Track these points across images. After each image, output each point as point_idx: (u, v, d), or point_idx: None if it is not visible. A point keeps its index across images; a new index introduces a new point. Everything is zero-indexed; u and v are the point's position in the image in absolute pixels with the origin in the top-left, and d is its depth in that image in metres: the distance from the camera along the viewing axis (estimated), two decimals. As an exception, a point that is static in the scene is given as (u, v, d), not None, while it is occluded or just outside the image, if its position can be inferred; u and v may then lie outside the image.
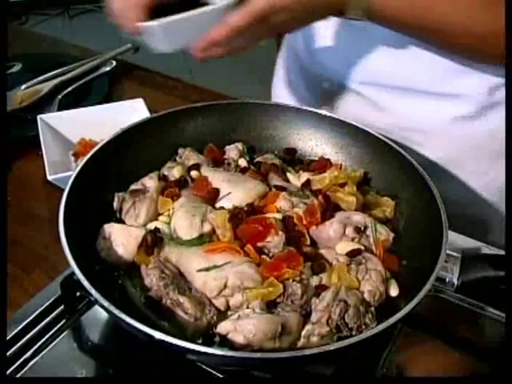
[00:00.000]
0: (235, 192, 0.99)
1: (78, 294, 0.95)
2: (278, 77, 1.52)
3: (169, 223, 0.95)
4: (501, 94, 1.14)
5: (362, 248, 0.91)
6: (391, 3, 0.97)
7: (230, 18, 0.89)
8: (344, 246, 0.91)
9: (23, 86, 1.52)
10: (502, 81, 1.12)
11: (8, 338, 0.88)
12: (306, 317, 0.82)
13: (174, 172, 1.04)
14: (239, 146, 1.12)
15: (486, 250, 1.05)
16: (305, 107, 1.15)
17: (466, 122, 1.18)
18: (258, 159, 1.11)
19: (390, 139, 1.07)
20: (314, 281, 0.85)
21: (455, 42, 1.02)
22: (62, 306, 0.95)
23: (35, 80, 1.54)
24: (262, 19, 0.90)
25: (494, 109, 1.16)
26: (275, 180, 1.04)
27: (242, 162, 1.09)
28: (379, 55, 1.18)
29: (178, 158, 1.10)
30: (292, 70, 1.44)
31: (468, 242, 1.06)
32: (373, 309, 0.83)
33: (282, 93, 1.47)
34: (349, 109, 1.29)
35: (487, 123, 1.18)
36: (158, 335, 0.71)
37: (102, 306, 0.75)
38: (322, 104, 1.33)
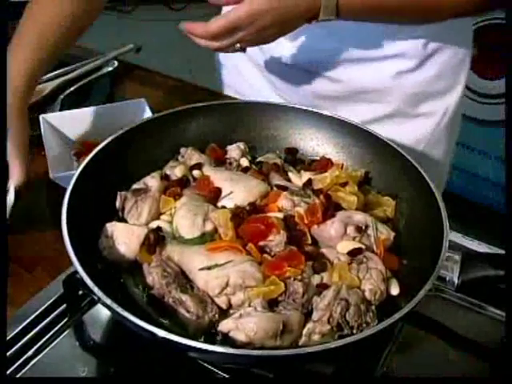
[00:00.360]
0: (237, 191, 0.99)
1: (80, 292, 0.95)
2: (225, 68, 1.64)
3: (171, 222, 0.96)
4: (432, 47, 1.33)
5: (363, 247, 0.91)
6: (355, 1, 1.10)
7: (210, 23, 1.02)
8: (345, 245, 0.91)
9: (25, 86, 1.52)
10: (430, 37, 1.32)
11: (9, 336, 0.88)
12: (307, 315, 0.82)
13: (176, 171, 1.04)
14: (241, 145, 1.12)
15: (487, 249, 1.05)
16: (306, 107, 1.16)
17: (407, 75, 1.36)
18: (260, 159, 1.12)
19: (390, 140, 1.08)
20: (316, 279, 0.85)
21: (414, 16, 1.20)
22: (64, 305, 0.95)
23: (37, 80, 1.54)
24: (238, 27, 1.02)
25: (428, 60, 1.35)
26: (277, 179, 1.04)
27: (244, 162, 1.09)
28: (324, 35, 1.30)
29: (180, 158, 1.10)
30: (238, 58, 1.52)
31: (468, 242, 1.06)
32: (374, 307, 0.83)
33: (232, 81, 1.62)
34: (304, 84, 1.42)
35: (424, 72, 1.36)
36: (160, 333, 0.71)
37: (105, 304, 0.76)
38: (276, 85, 1.48)
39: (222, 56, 1.64)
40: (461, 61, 1.40)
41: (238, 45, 1.08)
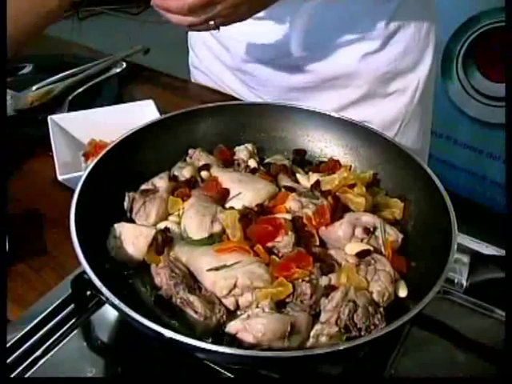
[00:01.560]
0: (245, 192, 0.99)
1: (88, 293, 0.95)
2: (198, 70, 1.67)
3: (179, 223, 0.96)
4: (393, 26, 1.37)
5: (371, 249, 0.91)
6: None
7: None
8: (353, 247, 0.91)
9: (34, 87, 1.52)
10: (390, 17, 1.36)
11: (17, 337, 0.89)
12: (315, 317, 0.82)
13: (185, 172, 1.04)
14: (249, 146, 1.12)
15: (494, 251, 1.05)
16: (313, 108, 1.15)
17: (373, 56, 1.39)
18: (268, 160, 1.12)
19: (399, 143, 1.08)
20: (324, 281, 0.85)
21: None
22: (72, 305, 0.95)
23: (46, 81, 1.54)
24: (213, 1, 0.99)
25: (391, 39, 1.39)
26: (285, 181, 1.04)
27: (252, 163, 1.09)
28: (288, 28, 1.34)
29: (188, 159, 1.10)
30: (209, 59, 1.57)
31: (476, 244, 1.06)
32: (382, 309, 0.83)
33: (205, 80, 1.65)
34: (274, 79, 1.45)
35: (389, 51, 1.40)
36: (167, 333, 0.71)
37: (113, 305, 0.76)
38: (247, 83, 1.51)
39: (194, 60, 1.67)
40: (426, 35, 1.43)
41: (212, 22, 1.05)
